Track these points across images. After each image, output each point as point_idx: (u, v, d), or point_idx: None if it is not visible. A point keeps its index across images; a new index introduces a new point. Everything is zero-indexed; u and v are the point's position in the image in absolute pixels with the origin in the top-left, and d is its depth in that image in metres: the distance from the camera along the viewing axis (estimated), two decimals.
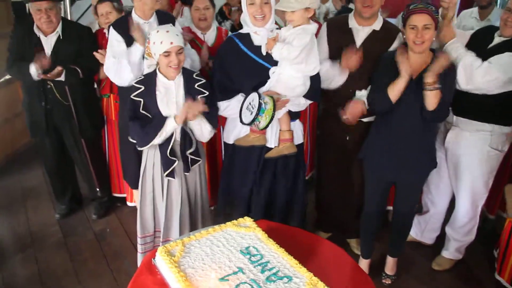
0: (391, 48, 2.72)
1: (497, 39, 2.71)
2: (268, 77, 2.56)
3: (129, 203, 4.01)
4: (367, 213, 2.95)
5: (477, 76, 2.58)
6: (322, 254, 2.01)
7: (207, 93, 2.57)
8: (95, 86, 3.75)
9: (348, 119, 2.66)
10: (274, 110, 2.43)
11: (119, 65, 2.84)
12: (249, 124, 2.47)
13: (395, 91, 2.47)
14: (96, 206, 3.94)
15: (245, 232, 1.96)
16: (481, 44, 2.75)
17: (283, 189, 2.81)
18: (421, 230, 3.49)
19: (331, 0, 5.84)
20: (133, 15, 2.93)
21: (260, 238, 1.92)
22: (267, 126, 2.46)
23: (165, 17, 2.97)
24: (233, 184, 2.83)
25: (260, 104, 2.37)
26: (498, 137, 2.80)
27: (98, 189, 3.89)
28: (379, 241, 3.23)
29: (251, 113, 2.41)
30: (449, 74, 2.46)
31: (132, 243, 3.51)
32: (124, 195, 4.02)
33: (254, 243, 1.89)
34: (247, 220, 2.04)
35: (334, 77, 2.78)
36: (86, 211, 4.01)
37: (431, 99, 2.39)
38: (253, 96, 2.44)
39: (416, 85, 2.45)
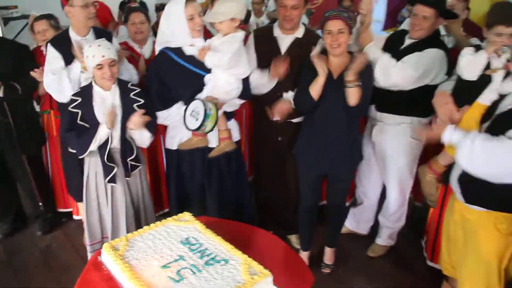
0: (313, 53, 2.96)
1: (407, 41, 3.01)
2: (204, 84, 2.74)
3: (75, 217, 4.03)
4: (303, 207, 3.15)
5: (393, 74, 2.86)
6: (257, 241, 2.18)
7: (143, 101, 2.72)
8: (35, 102, 3.79)
9: (277, 119, 2.86)
10: (217, 114, 2.63)
11: (59, 81, 2.91)
12: (196, 129, 2.65)
13: (315, 88, 2.70)
14: (40, 223, 3.94)
15: (185, 225, 2.10)
16: (395, 46, 3.04)
17: (231, 187, 3.00)
18: (357, 222, 3.73)
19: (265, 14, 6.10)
20: (70, 32, 3.03)
21: (198, 229, 2.07)
22: (212, 129, 2.66)
23: (102, 34, 3.09)
24: (184, 188, 2.98)
25: (205, 110, 2.57)
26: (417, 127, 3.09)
27: (41, 205, 3.90)
28: (318, 234, 3.41)
29: (197, 120, 2.60)
30: (366, 73, 2.72)
31: (80, 255, 3.55)
32: (70, 210, 4.04)
33: (193, 234, 2.03)
34: (186, 215, 2.19)
35: (264, 85, 2.99)
36: (31, 228, 4.00)
37: (353, 95, 2.63)
38: (197, 103, 2.63)
39: (337, 84, 2.68)
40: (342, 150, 2.87)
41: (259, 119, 3.29)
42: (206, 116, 2.56)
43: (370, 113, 3.22)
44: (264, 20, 6.25)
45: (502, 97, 2.34)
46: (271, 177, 3.38)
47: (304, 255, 3.33)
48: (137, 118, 2.63)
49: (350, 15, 2.82)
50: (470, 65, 2.43)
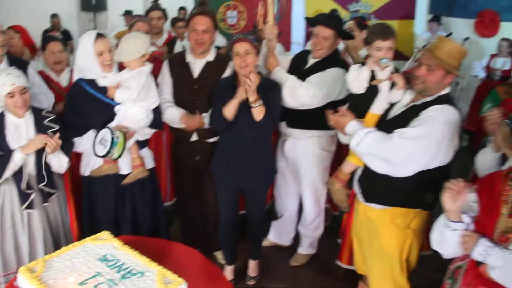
0: (225, 75, 3.13)
1: (310, 61, 3.26)
2: (115, 113, 2.84)
3: None
4: (223, 222, 3.28)
5: (301, 94, 3.09)
6: (176, 255, 2.30)
7: (57, 127, 2.76)
8: None
9: (186, 127, 3.04)
10: (125, 142, 2.74)
11: None
12: (104, 156, 2.73)
13: (229, 110, 2.87)
14: None
15: (102, 243, 2.17)
16: (299, 66, 3.29)
17: (145, 210, 3.07)
18: (279, 234, 3.90)
19: None
20: None
21: (116, 246, 2.15)
22: (119, 156, 2.75)
23: (16, 62, 3.09)
24: (97, 213, 3.01)
25: (112, 138, 2.67)
26: (325, 140, 3.33)
27: None
28: (243, 248, 3.54)
29: (105, 147, 2.69)
30: (273, 92, 2.94)
31: None
32: None
33: (111, 251, 2.10)
34: (105, 234, 2.25)
35: (176, 122, 3.17)
36: None
37: (257, 113, 2.83)
38: (105, 131, 2.73)
39: (246, 103, 2.86)
40: (256, 165, 3.04)
41: (177, 141, 3.40)
42: (113, 143, 2.67)
43: (282, 129, 3.43)
44: (187, 44, 6.40)
45: (391, 106, 2.64)
46: (192, 196, 3.48)
47: (229, 269, 3.44)
48: (42, 138, 2.63)
49: (257, 37, 3.05)
50: (355, 80, 2.71)
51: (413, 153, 2.32)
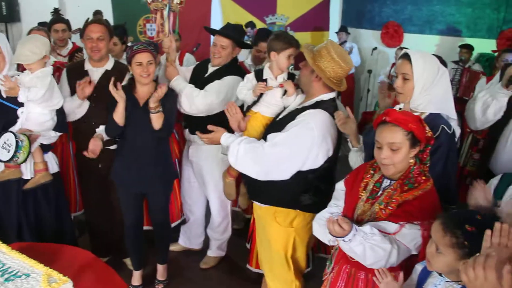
0: (123, 83, 3.21)
1: (210, 69, 3.39)
2: (16, 117, 2.83)
3: None
4: (128, 227, 3.32)
5: (198, 102, 3.22)
6: (66, 256, 2.34)
7: None
8: None
9: (91, 154, 3.02)
10: (30, 145, 2.74)
11: None
12: (8, 161, 2.72)
13: (117, 115, 2.95)
14: None
15: None
16: (199, 74, 3.42)
17: (49, 216, 3.08)
18: (188, 238, 3.99)
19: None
20: None
21: (3, 251, 2.16)
22: (25, 160, 2.75)
23: None
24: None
25: (17, 142, 2.66)
26: None
27: None
28: (153, 253, 3.60)
29: (8, 151, 2.68)
30: (170, 99, 3.04)
31: None
32: None
33: None
34: None
35: (76, 109, 3.18)
36: None
37: (156, 120, 2.92)
38: (8, 135, 2.71)
39: (143, 110, 2.95)
40: (155, 170, 3.12)
41: (79, 149, 3.41)
42: (18, 147, 2.66)
43: (186, 135, 3.55)
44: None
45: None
46: (98, 205, 3.51)
47: (137, 274, 3.48)
48: None
49: (156, 48, 3.16)
50: (240, 89, 2.94)
51: (281, 158, 2.44)
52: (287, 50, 2.78)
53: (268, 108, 2.88)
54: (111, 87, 2.92)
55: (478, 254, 1.40)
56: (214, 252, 3.87)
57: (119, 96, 2.92)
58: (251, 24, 7.26)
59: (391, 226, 1.94)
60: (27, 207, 2.99)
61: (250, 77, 2.96)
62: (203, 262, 3.86)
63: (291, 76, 2.93)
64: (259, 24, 7.67)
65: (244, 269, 3.66)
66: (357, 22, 8.11)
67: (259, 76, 2.94)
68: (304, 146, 2.44)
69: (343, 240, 1.89)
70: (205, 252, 3.93)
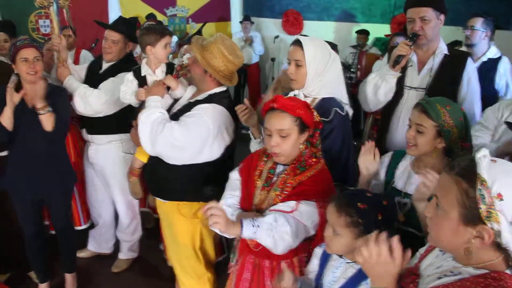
0: (10, 84, 2.96)
1: (104, 65, 3.25)
2: None
3: None
4: (28, 236, 3.11)
5: (92, 102, 3.08)
6: None
7: None
8: None
9: None
10: None
11: None
12: None
13: (5, 118, 2.75)
14: None
15: None
16: (94, 71, 3.28)
17: None
18: (98, 243, 3.83)
19: None
20: None
21: None
22: None
23: None
24: None
25: None
26: (126, 143, 3.31)
27: None
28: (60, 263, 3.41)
29: None
30: (59, 97, 2.89)
31: None
32: None
33: None
34: None
35: None
36: None
37: (45, 121, 2.75)
38: None
39: (33, 111, 2.77)
40: (51, 173, 2.95)
41: None
42: None
43: (83, 136, 3.39)
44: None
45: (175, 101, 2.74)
46: None
47: (43, 287, 3.29)
48: None
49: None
50: (123, 94, 2.92)
51: (174, 144, 2.39)
52: (162, 40, 2.77)
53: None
54: (8, 88, 2.73)
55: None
56: (126, 254, 3.75)
57: (11, 100, 2.72)
58: (151, 16, 7.06)
59: (287, 205, 1.95)
60: None
61: (130, 77, 2.88)
62: (114, 265, 3.72)
63: (169, 67, 2.90)
64: (160, 17, 7.50)
65: (160, 269, 3.63)
66: (258, 11, 8.17)
67: (137, 74, 2.88)
68: (196, 140, 2.41)
69: (243, 236, 1.88)
70: (116, 255, 3.79)
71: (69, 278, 3.38)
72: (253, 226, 1.86)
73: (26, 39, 2.84)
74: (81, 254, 3.73)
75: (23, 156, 2.90)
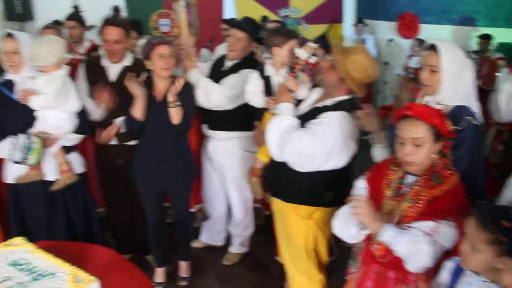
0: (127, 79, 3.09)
1: (227, 64, 3.37)
2: (35, 118, 2.82)
3: None
4: (150, 224, 3.31)
5: (213, 96, 3.20)
6: (92, 255, 2.32)
7: None
8: None
9: (103, 140, 3.05)
10: (43, 148, 2.75)
11: None
12: (20, 162, 2.73)
13: (136, 111, 2.94)
14: None
15: (15, 249, 2.16)
16: (217, 69, 3.40)
17: (78, 217, 3.09)
18: (210, 234, 3.96)
19: None
20: None
21: (29, 251, 2.14)
22: (37, 163, 2.76)
23: None
24: (26, 220, 2.98)
25: (29, 144, 2.69)
26: (246, 141, 3.41)
27: None
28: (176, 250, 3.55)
29: (21, 153, 2.69)
30: (187, 93, 3.02)
31: None
32: None
33: (23, 256, 2.10)
34: (18, 240, 2.24)
35: (94, 111, 3.17)
36: None
37: (175, 114, 2.90)
38: (22, 137, 2.73)
39: (162, 104, 2.93)
40: (175, 166, 3.10)
41: (98, 146, 3.40)
42: (29, 149, 2.69)
43: (204, 131, 3.52)
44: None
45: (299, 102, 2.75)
46: (120, 202, 3.50)
47: (160, 271, 3.45)
48: None
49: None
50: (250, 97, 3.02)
51: (302, 153, 2.42)
52: (288, 43, 2.79)
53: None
54: (127, 82, 2.90)
55: None
56: (237, 248, 3.84)
57: (139, 91, 2.89)
58: (265, 19, 7.19)
59: (426, 226, 1.87)
60: (56, 209, 2.98)
61: (255, 76, 2.95)
62: (225, 258, 3.82)
63: None
64: (273, 18, 7.60)
65: (269, 265, 3.67)
66: (372, 13, 8.00)
67: (262, 75, 2.96)
68: (324, 148, 2.41)
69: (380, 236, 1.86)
70: (227, 248, 3.90)
71: (184, 265, 3.52)
72: (396, 230, 1.85)
73: (159, 37, 3.01)
74: (194, 244, 3.87)
75: (150, 147, 3.07)
